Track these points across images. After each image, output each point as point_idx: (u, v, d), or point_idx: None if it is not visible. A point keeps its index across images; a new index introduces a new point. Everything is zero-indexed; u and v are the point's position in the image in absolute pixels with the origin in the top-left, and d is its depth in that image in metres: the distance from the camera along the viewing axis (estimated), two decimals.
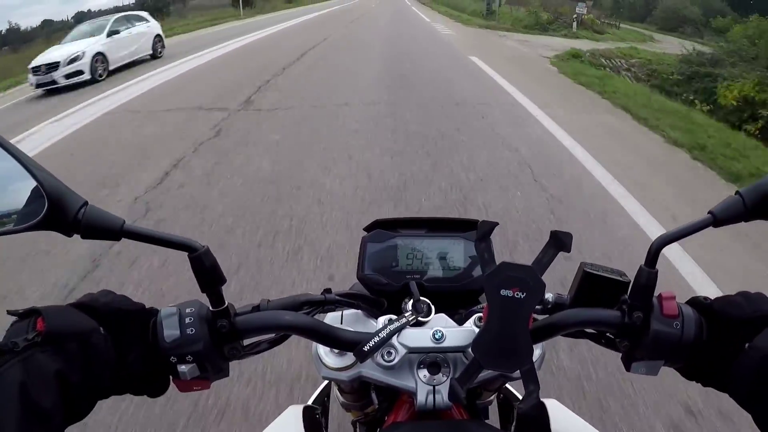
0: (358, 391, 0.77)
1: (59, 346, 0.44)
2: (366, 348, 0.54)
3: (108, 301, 0.51)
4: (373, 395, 0.78)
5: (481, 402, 0.80)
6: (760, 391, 0.47)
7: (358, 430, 0.96)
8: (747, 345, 0.49)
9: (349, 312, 0.67)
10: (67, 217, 0.47)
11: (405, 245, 0.67)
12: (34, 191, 0.46)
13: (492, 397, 0.83)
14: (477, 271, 0.66)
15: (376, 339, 0.54)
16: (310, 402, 0.91)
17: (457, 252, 0.67)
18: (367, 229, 0.69)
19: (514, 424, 0.82)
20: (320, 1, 43.62)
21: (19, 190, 0.47)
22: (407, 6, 32.03)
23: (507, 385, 0.88)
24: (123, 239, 0.49)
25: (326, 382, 0.95)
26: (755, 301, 0.52)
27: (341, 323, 0.65)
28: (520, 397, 0.86)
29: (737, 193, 0.53)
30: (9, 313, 0.47)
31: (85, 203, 0.48)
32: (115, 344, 0.49)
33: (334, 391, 0.85)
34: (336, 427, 1.10)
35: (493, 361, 0.52)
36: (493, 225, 0.52)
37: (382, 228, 0.69)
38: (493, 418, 0.91)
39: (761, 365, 0.46)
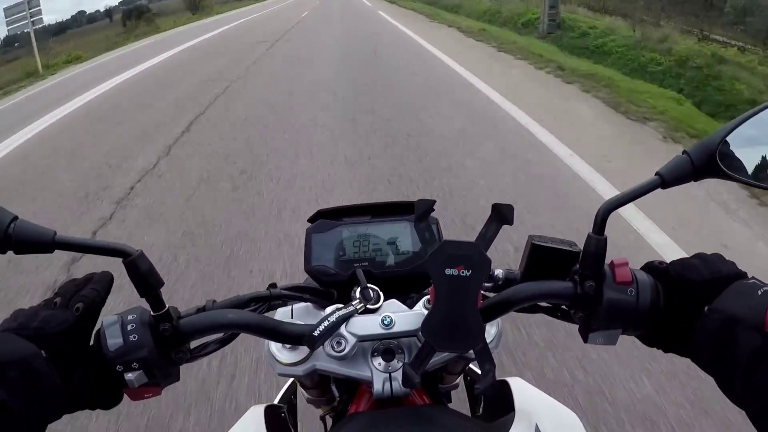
0: (320, 385, 0.76)
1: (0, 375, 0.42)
2: (315, 333, 0.52)
3: (44, 323, 0.48)
4: (333, 388, 0.77)
5: (444, 386, 0.80)
6: (721, 354, 0.46)
7: (327, 424, 0.95)
8: (706, 308, 0.48)
9: (299, 306, 0.65)
10: None
11: (350, 233, 0.66)
12: None
13: (458, 380, 0.82)
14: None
15: (324, 324, 0.53)
16: (276, 401, 0.90)
17: (405, 236, 0.66)
18: (311, 220, 0.68)
19: (481, 406, 0.81)
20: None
21: None
22: None
23: (472, 367, 0.88)
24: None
25: (291, 380, 0.94)
26: (712, 263, 0.51)
27: (291, 317, 0.64)
28: None
29: (684, 152, 0.52)
30: None
31: (15, 218, 0.47)
32: (57, 365, 0.47)
33: (299, 387, 0.84)
34: (308, 424, 1.08)
35: (444, 343, 0.51)
36: (430, 204, 0.51)
37: (326, 218, 0.67)
38: (462, 401, 0.91)
39: (722, 327, 0.45)
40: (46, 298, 0.52)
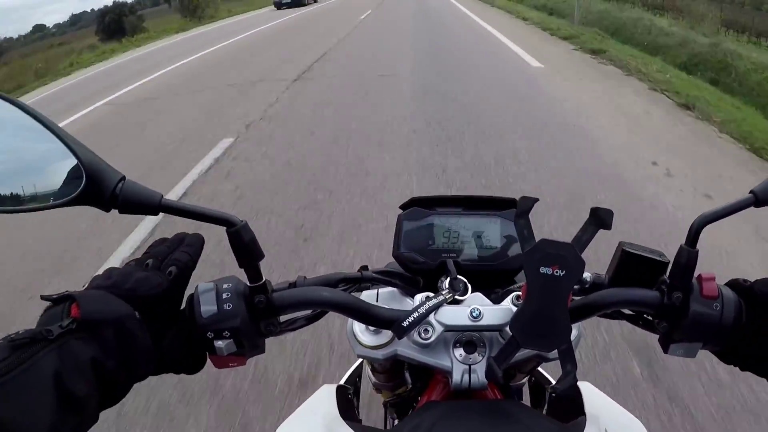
0: (391, 370, 0.77)
1: (94, 332, 0.44)
2: (405, 324, 0.53)
3: (138, 285, 0.49)
4: (407, 375, 0.78)
5: (514, 384, 0.80)
6: None
7: (389, 411, 0.97)
8: None
9: (384, 290, 0.66)
10: (105, 192, 0.47)
11: (441, 224, 0.67)
12: (74, 167, 0.47)
13: (524, 380, 0.82)
14: (512, 251, 0.65)
15: (415, 315, 0.54)
16: (342, 381, 0.92)
17: (493, 231, 0.66)
18: (404, 207, 0.69)
19: (545, 407, 0.81)
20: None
21: (60, 166, 0.47)
22: None
23: (539, 368, 0.87)
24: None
25: (359, 361, 0.96)
26: None
27: (377, 301, 0.65)
28: (552, 381, 0.85)
29: None
30: (43, 298, 0.46)
31: (123, 178, 0.48)
32: (150, 328, 0.48)
33: (367, 371, 0.85)
34: (366, 408, 1.11)
35: (531, 340, 0.51)
36: (533, 201, 0.51)
37: (419, 206, 0.68)
38: (525, 401, 0.90)
39: None
40: (137, 258, 0.53)
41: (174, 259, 0.53)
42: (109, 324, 0.45)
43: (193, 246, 0.55)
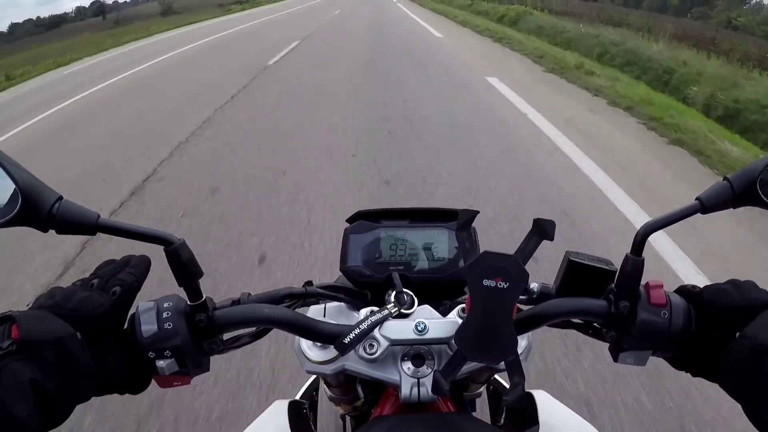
0: (345, 384, 0.76)
1: (34, 354, 0.43)
2: (346, 340, 0.53)
3: (80, 305, 0.48)
4: (359, 389, 0.77)
5: (468, 394, 0.79)
6: (750, 382, 0.46)
7: (347, 423, 0.96)
8: (737, 334, 0.48)
9: (332, 305, 0.66)
10: (41, 213, 0.46)
11: (388, 236, 0.66)
12: (8, 188, 0.46)
13: (481, 389, 0.82)
14: (462, 263, 0.65)
15: (357, 331, 0.53)
16: (297, 396, 0.91)
17: (442, 242, 0.66)
18: (350, 220, 0.68)
19: (503, 416, 0.81)
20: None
21: None
22: None
23: (496, 377, 0.87)
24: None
25: (314, 376, 0.94)
26: (745, 290, 0.51)
27: (324, 316, 0.64)
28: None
29: (725, 179, 0.52)
30: None
31: (59, 198, 0.47)
32: (92, 348, 0.48)
33: (322, 385, 0.84)
34: (326, 421, 1.09)
35: (476, 353, 0.51)
36: (473, 214, 0.51)
37: (365, 219, 0.67)
38: (483, 410, 0.90)
39: (752, 355, 0.45)
40: (84, 278, 0.53)
41: (119, 279, 0.52)
42: (50, 345, 0.44)
43: (139, 267, 0.54)
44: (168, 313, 0.51)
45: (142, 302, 0.53)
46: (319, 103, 5.83)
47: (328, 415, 1.06)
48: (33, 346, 0.43)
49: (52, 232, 0.48)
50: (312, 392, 0.93)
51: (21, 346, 0.42)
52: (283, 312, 0.56)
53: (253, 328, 0.59)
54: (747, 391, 0.46)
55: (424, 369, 0.58)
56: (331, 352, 0.60)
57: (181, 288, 0.53)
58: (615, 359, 0.57)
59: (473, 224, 0.53)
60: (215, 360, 0.56)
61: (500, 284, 0.48)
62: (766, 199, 0.51)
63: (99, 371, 0.48)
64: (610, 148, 4.10)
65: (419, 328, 0.57)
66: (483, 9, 16.03)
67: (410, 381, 0.58)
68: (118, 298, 0.51)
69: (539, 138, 4.36)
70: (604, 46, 8.52)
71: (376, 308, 0.58)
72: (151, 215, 3.41)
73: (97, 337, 0.49)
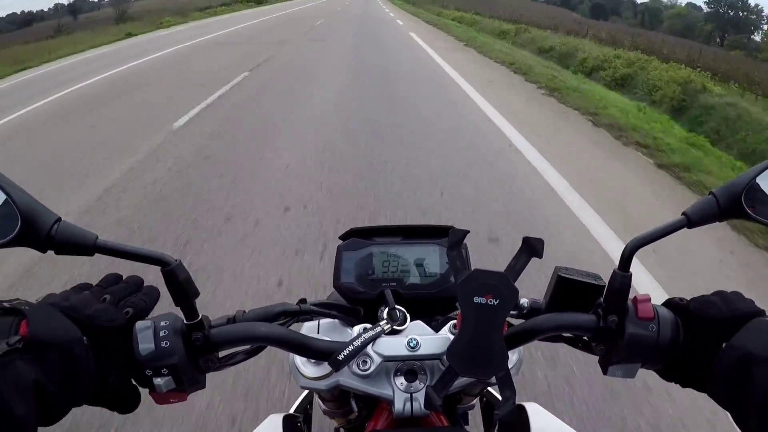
0: (339, 398, 0.77)
1: (40, 354, 0.43)
2: (340, 357, 0.54)
3: (96, 314, 0.49)
4: (353, 403, 0.78)
5: (461, 407, 0.80)
6: (738, 391, 0.46)
7: None
8: (724, 344, 0.49)
9: (325, 321, 0.66)
10: (41, 234, 0.47)
11: (380, 253, 0.67)
12: (8, 209, 0.46)
13: (474, 402, 0.83)
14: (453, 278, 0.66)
15: (350, 348, 0.54)
16: (292, 410, 0.91)
17: (433, 258, 0.67)
18: (343, 237, 0.69)
19: (496, 428, 0.82)
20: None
21: None
22: None
23: (490, 389, 0.88)
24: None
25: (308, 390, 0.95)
26: (731, 301, 0.52)
27: (318, 333, 0.65)
28: None
29: (711, 193, 0.53)
30: None
31: (58, 219, 0.48)
32: (96, 357, 0.48)
33: (316, 398, 0.85)
34: None
35: (468, 369, 0.52)
36: (464, 233, 0.52)
37: (358, 236, 0.68)
38: (476, 422, 0.91)
39: (739, 364, 0.46)
40: (90, 287, 0.54)
41: (131, 302, 0.54)
42: (57, 347, 0.44)
43: (151, 296, 0.56)
44: (165, 332, 0.52)
45: (140, 320, 0.53)
46: None
47: (322, 428, 1.06)
48: (41, 346, 0.43)
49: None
50: (306, 405, 0.94)
51: (28, 344, 0.42)
52: (278, 330, 0.57)
53: (249, 346, 0.60)
54: (736, 401, 0.47)
55: (417, 384, 0.59)
56: (325, 368, 0.61)
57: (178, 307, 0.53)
58: (605, 372, 0.58)
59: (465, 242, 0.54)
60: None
61: (491, 301, 0.50)
62: (751, 213, 0.52)
63: (99, 380, 0.49)
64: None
65: (411, 345, 0.58)
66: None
67: (403, 396, 0.59)
68: (131, 318, 0.52)
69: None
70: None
71: (369, 325, 0.59)
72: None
73: (104, 347, 0.49)
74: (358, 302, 0.67)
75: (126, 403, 0.53)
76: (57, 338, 0.45)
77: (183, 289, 0.52)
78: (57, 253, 0.48)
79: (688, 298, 0.55)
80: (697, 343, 0.52)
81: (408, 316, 0.62)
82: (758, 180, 0.52)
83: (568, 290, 0.59)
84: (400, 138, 4.98)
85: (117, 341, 0.51)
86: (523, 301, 0.63)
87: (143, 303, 0.54)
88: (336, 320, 0.66)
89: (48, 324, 0.45)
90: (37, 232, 0.47)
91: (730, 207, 0.52)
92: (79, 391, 0.47)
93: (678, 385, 0.56)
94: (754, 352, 0.45)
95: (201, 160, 4.58)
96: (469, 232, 0.53)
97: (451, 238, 0.52)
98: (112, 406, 0.53)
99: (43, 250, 0.48)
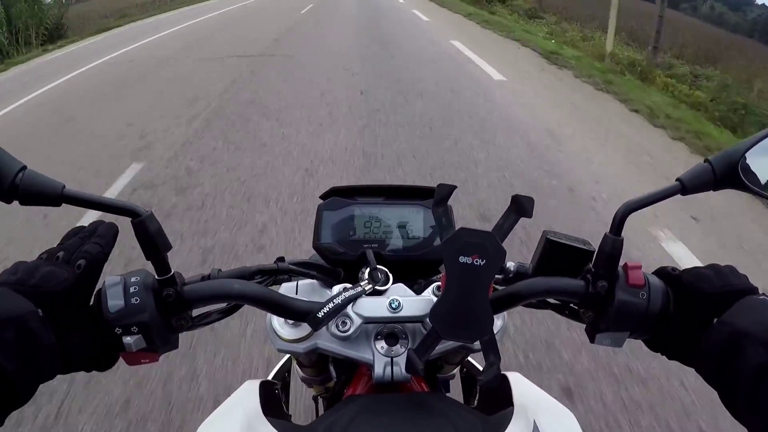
0: (317, 364, 0.75)
1: None
2: (320, 315, 0.51)
3: (42, 281, 0.46)
4: (331, 368, 0.76)
5: (442, 375, 0.79)
6: (726, 368, 0.45)
7: (319, 405, 0.95)
8: (716, 320, 0.48)
9: (304, 282, 0.64)
10: (4, 183, 0.44)
11: (362, 213, 0.65)
12: None
13: (454, 371, 0.82)
14: (438, 241, 0.64)
15: (330, 305, 0.52)
16: (270, 377, 0.89)
17: (417, 220, 0.65)
18: (323, 196, 0.67)
19: (476, 398, 0.81)
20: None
21: None
22: None
23: (470, 359, 0.87)
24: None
25: (286, 356, 0.93)
26: (725, 275, 0.51)
27: (296, 293, 0.63)
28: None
29: (707, 161, 0.51)
30: None
31: (23, 168, 0.45)
32: (54, 325, 0.45)
33: (294, 365, 0.83)
34: (298, 403, 1.08)
35: (451, 331, 0.50)
36: (451, 189, 0.50)
37: (339, 196, 0.66)
38: (456, 393, 0.90)
39: (729, 341, 0.45)
40: (50, 249, 0.51)
41: (84, 251, 0.50)
42: (9, 324, 0.42)
43: (105, 237, 0.52)
44: (135, 288, 0.49)
45: (109, 276, 0.51)
46: None
47: (301, 396, 1.05)
48: None
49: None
50: (284, 373, 0.92)
51: None
52: (255, 288, 0.55)
53: (223, 305, 0.57)
54: (723, 378, 0.46)
55: (398, 348, 0.57)
56: (304, 330, 0.59)
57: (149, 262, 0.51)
58: (591, 340, 0.57)
59: (449, 201, 0.52)
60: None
61: (477, 261, 0.48)
62: (747, 183, 0.51)
63: (62, 349, 0.46)
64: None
65: (393, 306, 0.56)
66: None
67: (383, 360, 0.57)
68: (83, 272, 0.49)
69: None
70: None
71: (349, 285, 0.57)
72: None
73: (61, 314, 0.46)
74: (338, 263, 0.64)
75: (100, 363, 0.51)
76: (7, 314, 0.42)
77: (154, 242, 0.49)
78: (21, 203, 0.46)
79: (680, 269, 0.54)
80: (688, 315, 0.51)
81: (390, 276, 0.60)
82: (755, 149, 0.51)
83: (557, 255, 0.57)
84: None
85: (74, 301, 0.48)
86: (510, 264, 0.61)
87: (97, 248, 0.50)
88: (315, 281, 0.64)
89: None
90: (1, 181, 0.44)
91: (726, 176, 0.51)
92: (43, 365, 0.44)
93: (665, 356, 0.55)
94: (746, 330, 0.44)
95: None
96: (456, 187, 0.50)
97: (437, 193, 0.50)
98: (87, 367, 0.50)
99: (8, 201, 0.45)
